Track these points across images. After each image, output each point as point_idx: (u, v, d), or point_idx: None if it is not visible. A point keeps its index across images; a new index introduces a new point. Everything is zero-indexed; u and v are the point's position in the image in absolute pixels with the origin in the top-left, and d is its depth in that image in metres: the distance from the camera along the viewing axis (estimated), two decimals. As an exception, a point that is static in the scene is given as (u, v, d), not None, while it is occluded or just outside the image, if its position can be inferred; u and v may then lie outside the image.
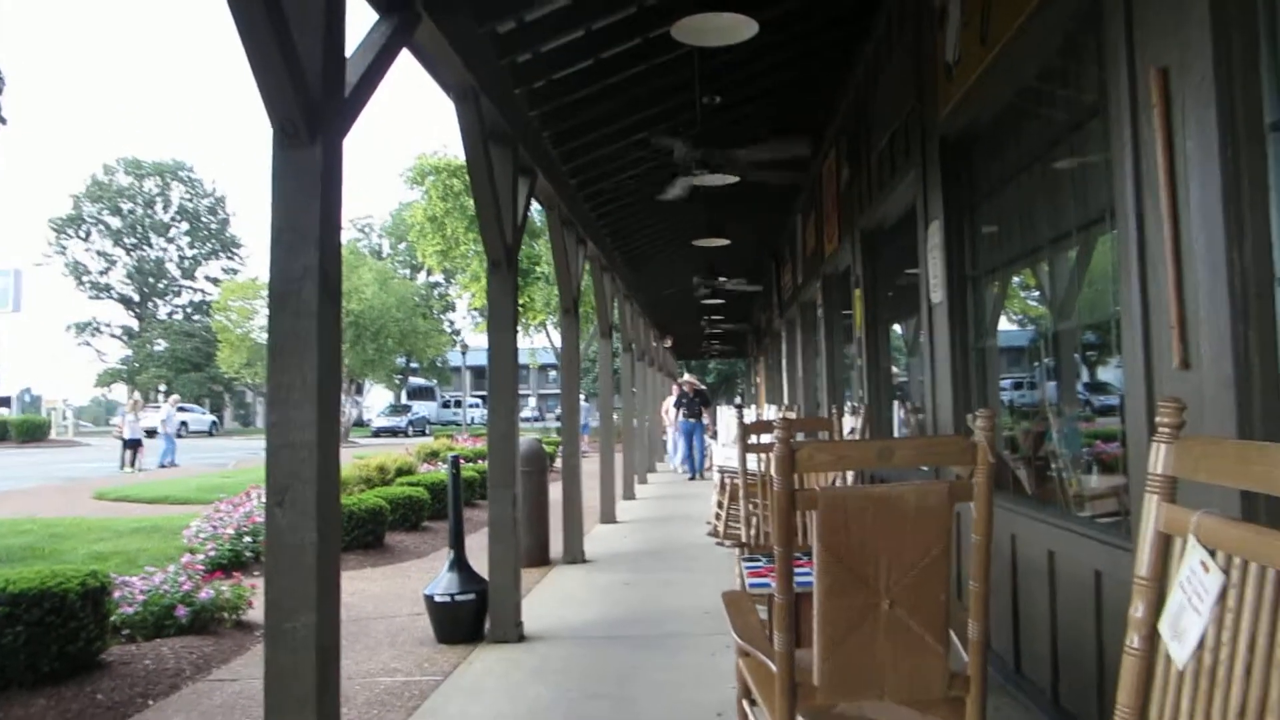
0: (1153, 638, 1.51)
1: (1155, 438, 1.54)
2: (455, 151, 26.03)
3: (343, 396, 39.62)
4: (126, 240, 56.96)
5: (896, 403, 7.41)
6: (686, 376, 18.27)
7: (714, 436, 18.35)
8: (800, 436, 6.64)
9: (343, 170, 2.72)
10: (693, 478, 15.80)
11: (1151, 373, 2.66)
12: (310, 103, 2.57)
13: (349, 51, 2.84)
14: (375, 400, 57.33)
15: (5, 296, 52.27)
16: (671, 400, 17.52)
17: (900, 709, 2.55)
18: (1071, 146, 3.70)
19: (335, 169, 2.67)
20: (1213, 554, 1.36)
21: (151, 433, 21.86)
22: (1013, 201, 4.37)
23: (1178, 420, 1.52)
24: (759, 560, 4.05)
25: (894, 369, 7.64)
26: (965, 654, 2.36)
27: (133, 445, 21.87)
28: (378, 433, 44.49)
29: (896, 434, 7.12)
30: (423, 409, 51.77)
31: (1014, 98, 4.16)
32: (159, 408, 21.91)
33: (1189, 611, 1.38)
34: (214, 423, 47.76)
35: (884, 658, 2.29)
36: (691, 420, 16.27)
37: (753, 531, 4.87)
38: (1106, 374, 4.50)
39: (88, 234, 56.46)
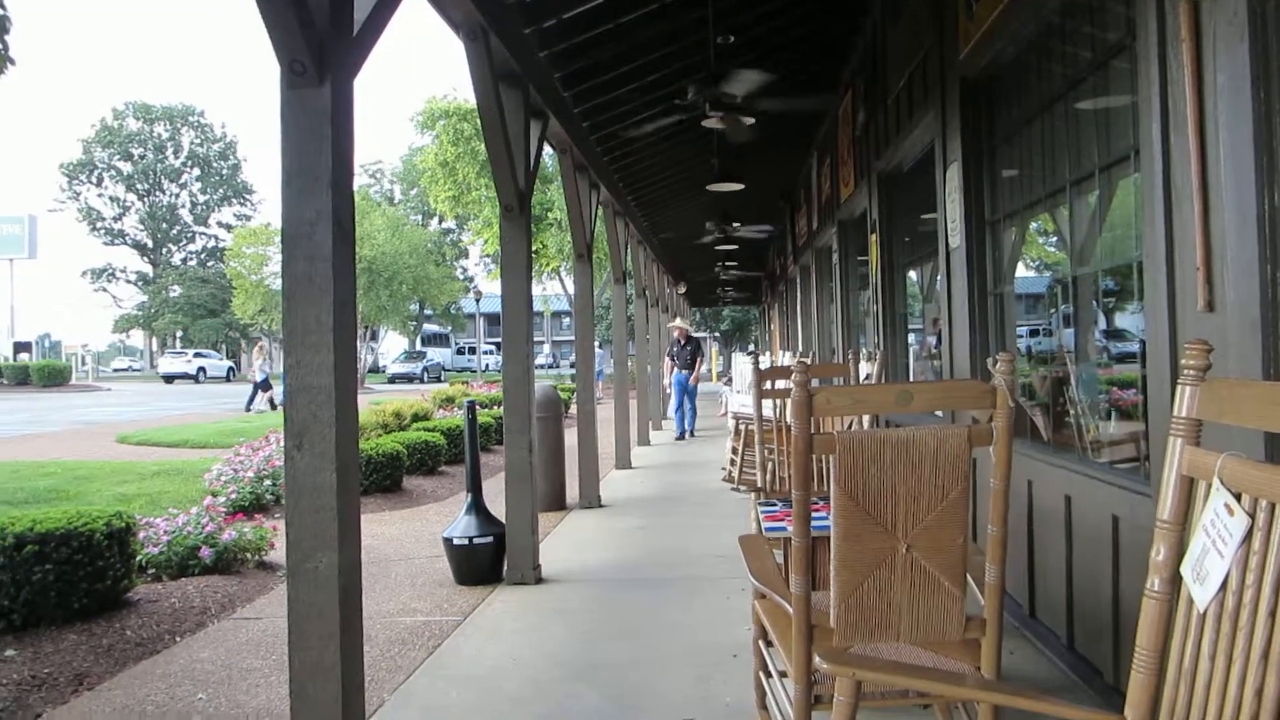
0: (1174, 581, 1.50)
1: (1180, 380, 1.52)
2: (465, 95, 25.71)
3: (358, 343, 39.87)
4: (139, 186, 56.97)
5: (923, 334, 7.38)
6: (677, 320, 15.04)
7: (729, 383, 18.20)
8: (816, 382, 6.64)
9: (353, 112, 2.68)
10: (680, 436, 13.62)
11: (1175, 316, 2.63)
12: (318, 40, 2.53)
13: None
14: (390, 347, 57.56)
15: (21, 242, 52.56)
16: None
17: (916, 650, 2.58)
18: (1096, 85, 3.61)
19: (346, 110, 2.64)
20: (1237, 497, 1.35)
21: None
22: (1034, 143, 4.28)
23: (1204, 362, 1.50)
24: (774, 505, 4.07)
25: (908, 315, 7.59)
26: (981, 597, 2.37)
27: (264, 386, 22.09)
28: (393, 379, 44.80)
29: (912, 379, 7.10)
30: (437, 355, 52.03)
31: (1036, 35, 4.05)
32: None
33: (1212, 554, 1.38)
34: (231, 368, 48.12)
35: (901, 601, 2.30)
36: (685, 373, 13.80)
37: (768, 477, 4.89)
38: (1125, 320, 4.45)
39: (99, 179, 56.49)
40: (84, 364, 47.72)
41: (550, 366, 53.42)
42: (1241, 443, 2.13)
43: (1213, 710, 1.33)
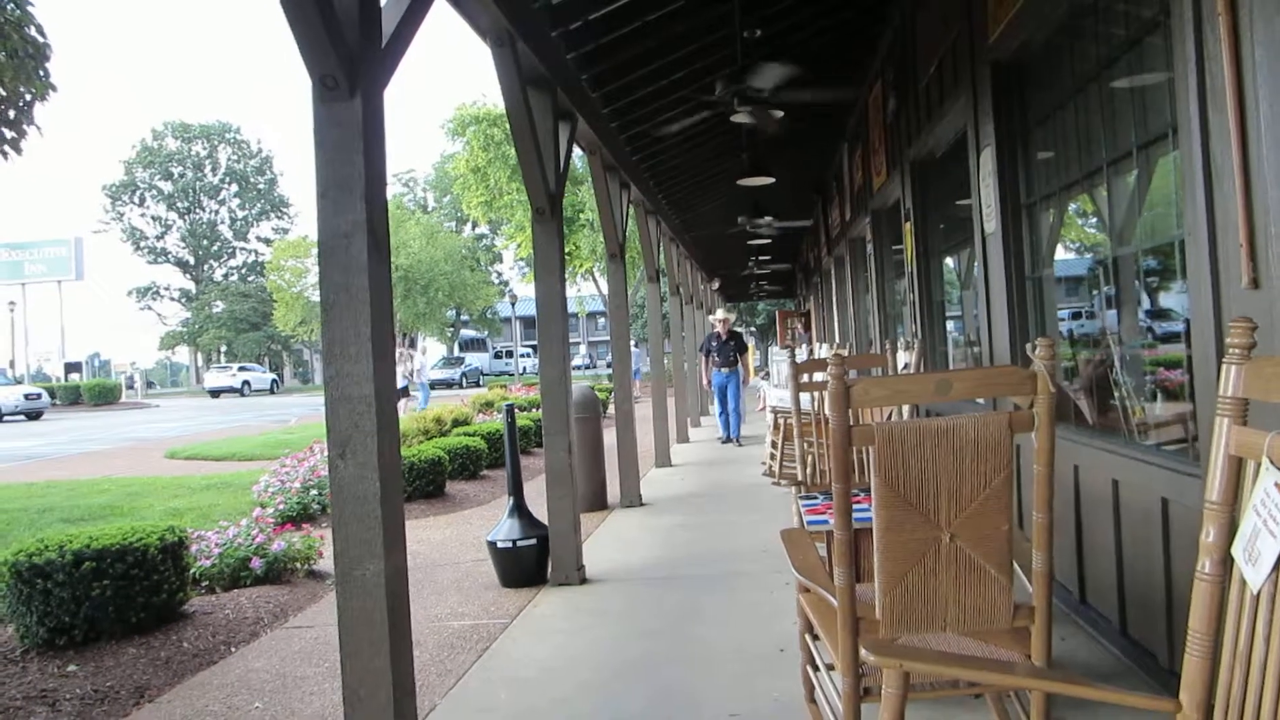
0: (1225, 562, 1.48)
1: (1225, 359, 1.49)
2: (495, 100, 25.86)
3: (399, 350, 40.31)
4: (179, 204, 58.03)
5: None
6: (719, 313, 13.14)
7: (765, 377, 18.05)
8: (854, 374, 6.59)
9: (384, 123, 2.72)
10: (726, 441, 12.17)
11: (1219, 293, 2.58)
12: (348, 54, 2.56)
13: (383, 1, 2.82)
14: (429, 353, 58.10)
15: (68, 264, 53.74)
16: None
17: (965, 640, 2.56)
18: (1130, 64, 3.55)
19: (377, 121, 2.68)
20: (1288, 476, 1.32)
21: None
22: (1068, 125, 4.22)
23: (1249, 340, 1.48)
24: (816, 498, 4.06)
25: (946, 303, 7.51)
26: (1029, 585, 2.35)
27: (403, 393, 22.18)
28: (432, 385, 45.18)
29: (952, 367, 7.03)
30: (475, 360, 52.42)
31: (1067, 16, 4.00)
32: (406, 356, 22.41)
33: (1264, 534, 1.36)
34: (274, 381, 48.87)
35: (946, 590, 2.29)
36: (725, 371, 12.12)
37: (809, 470, 4.87)
38: (1169, 300, 4.37)
39: (142, 199, 57.62)
40: (133, 382, 48.71)
41: (587, 367, 53.60)
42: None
43: (1270, 692, 1.31)
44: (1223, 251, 2.55)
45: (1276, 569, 1.32)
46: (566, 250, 27.03)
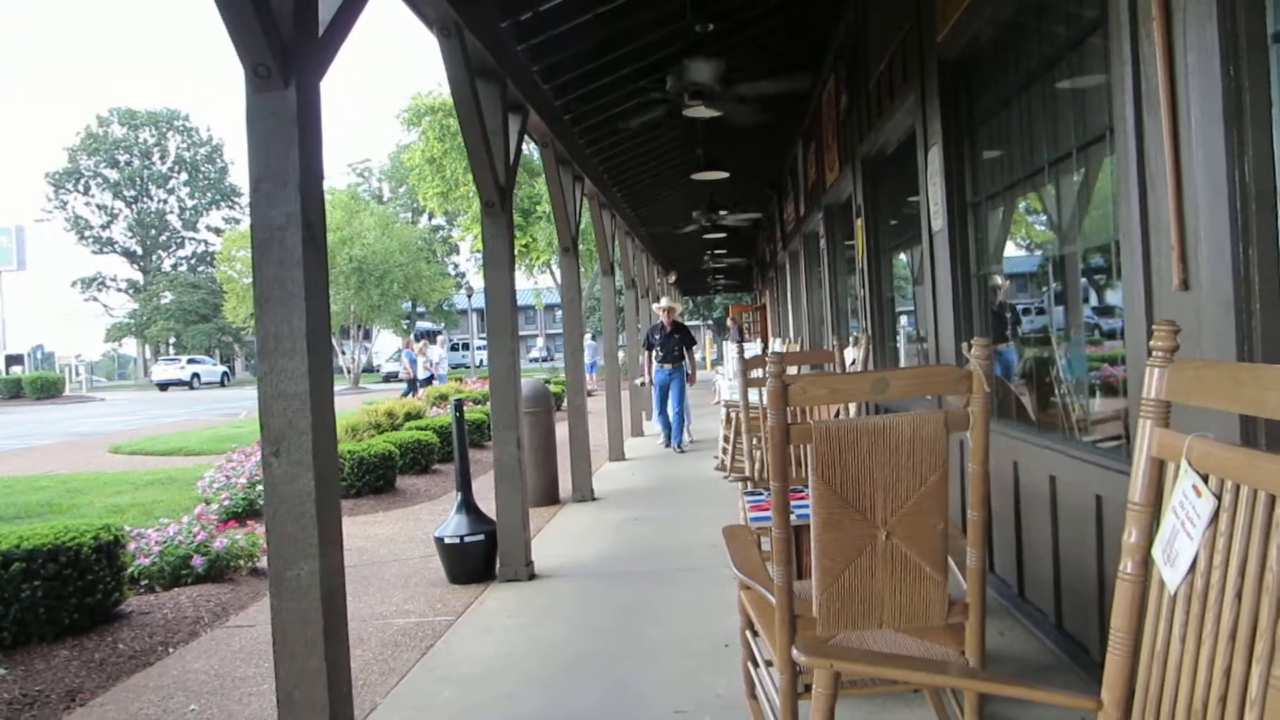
0: (1146, 563, 1.50)
1: (1149, 362, 1.51)
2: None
3: (350, 342, 39.64)
4: (126, 193, 56.72)
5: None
6: (663, 300, 11.35)
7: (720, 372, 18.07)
8: (804, 369, 6.63)
9: (321, 114, 2.66)
10: (668, 446, 10.90)
11: (1151, 295, 2.62)
12: (282, 43, 2.50)
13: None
14: (383, 345, 57.48)
15: (9, 254, 52.25)
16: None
17: (902, 637, 2.57)
18: (1072, 64, 3.60)
19: (313, 112, 2.62)
20: (1205, 479, 1.34)
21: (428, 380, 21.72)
22: (1014, 124, 4.27)
23: (1171, 344, 1.50)
24: (761, 494, 4.07)
25: (900, 298, 7.58)
26: (964, 582, 2.37)
27: (427, 383, 21.62)
28: (387, 378, 44.71)
29: (903, 364, 7.09)
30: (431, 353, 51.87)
31: (1014, 15, 4.04)
32: (418, 352, 22.01)
33: (1182, 535, 1.37)
34: (225, 373, 48.03)
35: (883, 587, 2.30)
36: (668, 368, 10.73)
37: (757, 466, 4.89)
38: (1113, 297, 4.43)
39: (86, 188, 56.23)
40: (78, 374, 47.54)
41: (544, 360, 53.41)
42: (1219, 424, 2.13)
43: (1184, 690, 1.33)
44: (1155, 252, 2.59)
45: (1193, 570, 1.34)
46: (524, 243, 26.90)
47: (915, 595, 2.31)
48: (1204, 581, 1.31)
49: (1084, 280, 4.15)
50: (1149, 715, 1.42)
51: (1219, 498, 1.30)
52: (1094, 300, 4.28)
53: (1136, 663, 1.49)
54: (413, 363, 22.61)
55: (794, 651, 1.67)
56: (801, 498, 3.10)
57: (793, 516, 2.35)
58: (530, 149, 21.36)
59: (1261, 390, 1.21)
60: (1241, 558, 1.23)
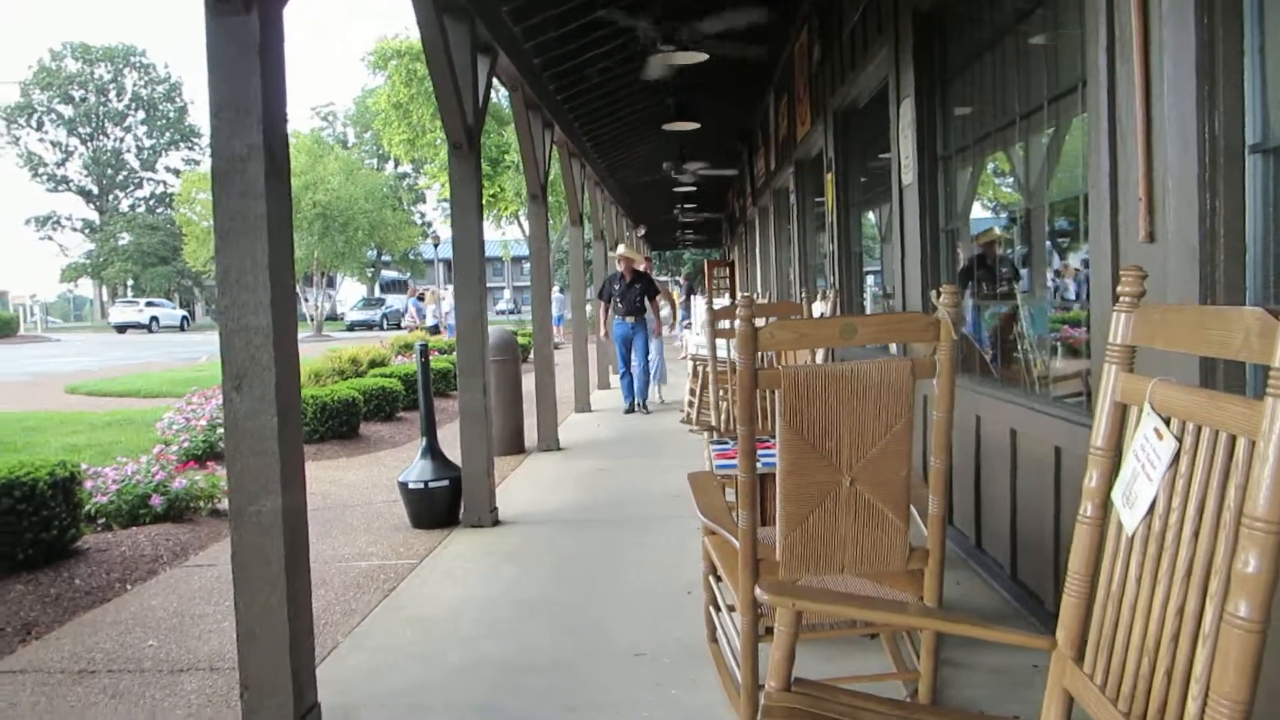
0: (1105, 506, 1.52)
1: (1115, 307, 1.52)
2: (418, 34, 25.06)
3: (314, 290, 39.06)
4: (81, 130, 55.10)
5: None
6: (620, 249, 10.80)
7: (688, 327, 18.06)
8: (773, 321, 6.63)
9: (284, 42, 2.58)
10: (630, 409, 10.00)
11: (1118, 246, 2.64)
12: (244, -35, 2.42)
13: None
14: (348, 294, 56.76)
15: (-41, 190, 50.67)
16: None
17: (862, 582, 2.61)
18: (1045, 16, 3.58)
19: (276, 40, 2.53)
20: (1167, 422, 1.36)
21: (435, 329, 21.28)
22: (986, 77, 4.26)
23: (1139, 289, 1.50)
24: (727, 444, 4.09)
25: (868, 257, 7.59)
26: (925, 529, 2.40)
27: (433, 332, 21.22)
28: (352, 326, 44.24)
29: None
30: (396, 302, 51.36)
31: (991, -34, 4.01)
32: (430, 301, 21.69)
33: (1141, 478, 1.39)
34: (185, 318, 47.20)
35: (845, 533, 2.32)
36: (630, 321, 9.92)
37: (723, 417, 4.91)
38: (1076, 259, 4.47)
39: (40, 123, 54.51)
40: (32, 315, 46.53)
41: (511, 312, 53.06)
42: (1180, 371, 2.16)
43: (1138, 629, 1.36)
44: (1123, 205, 2.60)
45: (1151, 512, 1.36)
46: (491, 193, 26.55)
47: (877, 541, 2.34)
48: (1161, 523, 1.33)
49: (1052, 240, 4.19)
50: (1102, 655, 1.45)
51: (1180, 440, 1.32)
52: (1063, 260, 4.31)
53: (1092, 605, 1.52)
54: (420, 314, 22.53)
55: (757, 591, 1.68)
56: (767, 447, 3.11)
57: (758, 465, 2.36)
58: (500, 97, 21.03)
59: (1226, 332, 1.22)
60: (1200, 498, 1.25)
